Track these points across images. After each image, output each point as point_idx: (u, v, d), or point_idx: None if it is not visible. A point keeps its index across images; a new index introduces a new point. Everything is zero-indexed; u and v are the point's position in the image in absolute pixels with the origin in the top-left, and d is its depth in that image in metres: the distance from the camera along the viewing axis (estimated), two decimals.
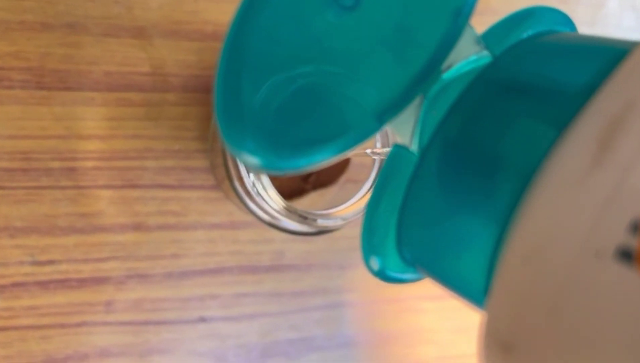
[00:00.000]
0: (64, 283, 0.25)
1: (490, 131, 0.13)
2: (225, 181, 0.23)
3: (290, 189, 0.27)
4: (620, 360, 0.10)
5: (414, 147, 0.15)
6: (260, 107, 0.15)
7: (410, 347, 0.30)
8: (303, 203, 0.27)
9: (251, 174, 0.21)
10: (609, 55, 0.12)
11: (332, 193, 0.27)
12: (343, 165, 0.28)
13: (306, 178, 0.27)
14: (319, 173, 0.27)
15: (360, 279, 0.29)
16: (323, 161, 0.13)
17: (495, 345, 0.12)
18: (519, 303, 0.11)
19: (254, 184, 0.21)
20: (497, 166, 0.13)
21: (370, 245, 0.16)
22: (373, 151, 0.23)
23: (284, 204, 0.21)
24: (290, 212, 0.21)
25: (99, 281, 0.25)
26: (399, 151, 0.15)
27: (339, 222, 0.21)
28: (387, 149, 0.23)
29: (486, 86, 0.14)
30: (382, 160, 0.24)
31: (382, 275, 0.16)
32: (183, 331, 0.27)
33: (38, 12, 0.24)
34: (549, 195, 0.11)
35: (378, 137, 0.23)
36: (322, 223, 0.21)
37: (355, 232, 0.28)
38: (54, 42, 0.24)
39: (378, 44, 0.15)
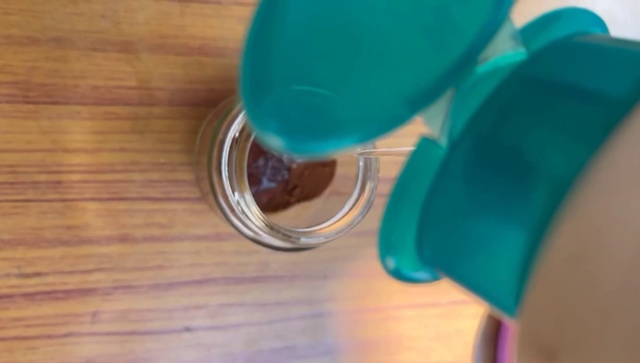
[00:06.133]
0: (50, 295, 0.25)
1: (528, 130, 0.13)
2: (210, 195, 0.23)
3: (275, 202, 0.27)
4: None
5: (443, 140, 0.14)
6: (286, 87, 0.14)
7: (391, 354, 0.31)
8: (287, 215, 0.27)
9: (236, 193, 0.22)
10: None
11: (316, 205, 0.27)
12: (327, 178, 0.28)
13: (291, 190, 0.27)
14: (303, 185, 0.27)
15: (343, 289, 0.30)
16: (350, 146, 0.13)
17: (535, 351, 0.11)
18: (564, 306, 0.10)
19: (238, 203, 0.21)
20: (535, 166, 0.12)
21: (388, 242, 0.15)
22: (361, 152, 0.22)
23: (267, 222, 0.22)
24: (273, 230, 0.21)
25: (85, 292, 0.26)
26: (426, 144, 0.15)
27: (321, 240, 0.22)
28: (376, 150, 0.22)
29: (523, 83, 0.13)
30: (366, 164, 0.23)
31: (398, 274, 0.15)
32: (169, 341, 0.27)
33: (24, 27, 0.24)
34: (602, 194, 0.10)
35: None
36: (305, 241, 0.21)
37: (337, 243, 0.29)
38: (40, 57, 0.25)
39: (414, 26, 0.14)
